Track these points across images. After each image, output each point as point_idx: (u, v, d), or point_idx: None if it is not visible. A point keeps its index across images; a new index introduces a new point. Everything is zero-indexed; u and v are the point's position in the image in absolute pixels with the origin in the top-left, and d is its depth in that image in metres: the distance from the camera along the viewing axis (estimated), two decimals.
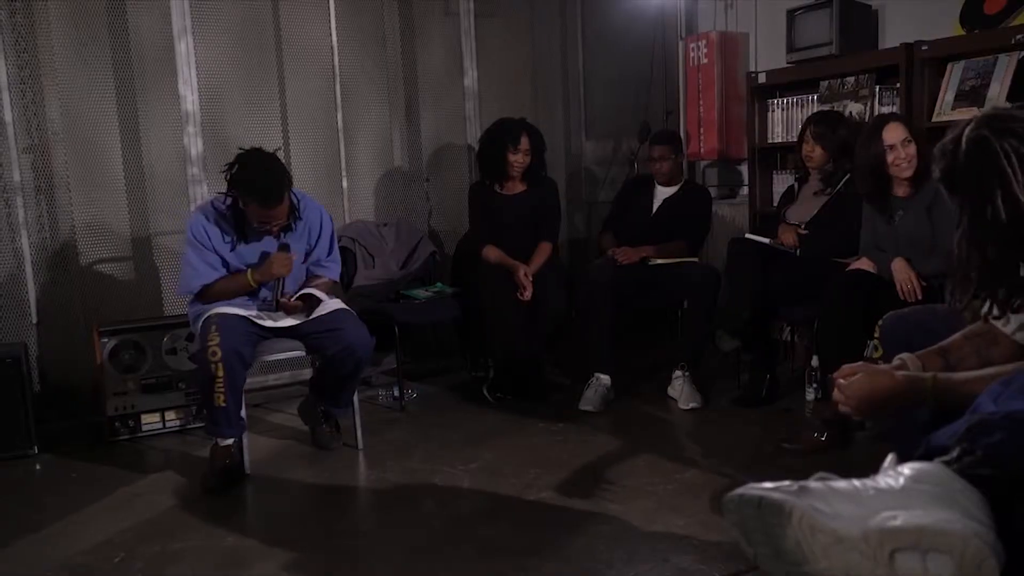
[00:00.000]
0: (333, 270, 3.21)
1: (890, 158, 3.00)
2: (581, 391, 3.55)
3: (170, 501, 2.75)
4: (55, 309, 3.62)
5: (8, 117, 3.45)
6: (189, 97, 3.72)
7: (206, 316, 2.88)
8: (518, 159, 3.80)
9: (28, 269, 3.53)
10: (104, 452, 3.27)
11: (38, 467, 3.17)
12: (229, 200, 2.96)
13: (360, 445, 3.16)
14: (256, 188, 2.86)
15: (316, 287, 3.10)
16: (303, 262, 3.15)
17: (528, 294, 3.61)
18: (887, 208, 3.11)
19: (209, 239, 2.98)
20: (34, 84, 3.54)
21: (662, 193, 3.95)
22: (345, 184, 4.14)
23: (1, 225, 3.52)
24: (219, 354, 2.75)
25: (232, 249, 3.01)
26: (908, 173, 3.03)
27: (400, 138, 4.41)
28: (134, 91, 3.74)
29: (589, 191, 4.96)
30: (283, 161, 3.00)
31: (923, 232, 3.00)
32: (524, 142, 3.79)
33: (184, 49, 3.69)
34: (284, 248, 3.01)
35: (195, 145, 3.75)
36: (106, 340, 3.37)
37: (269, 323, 2.99)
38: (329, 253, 3.21)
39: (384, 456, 3.07)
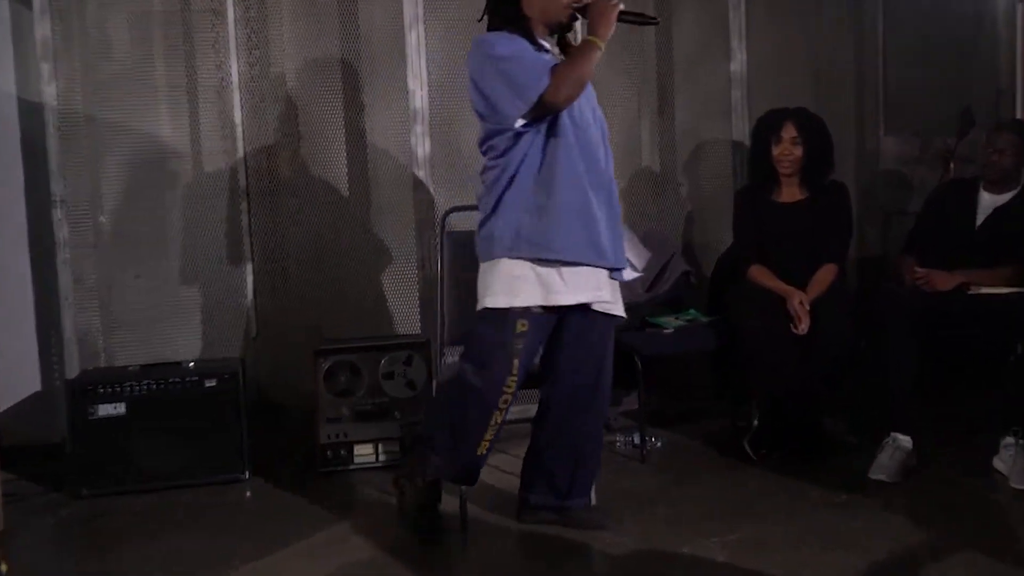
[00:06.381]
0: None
1: None
2: (873, 454, 3.25)
3: (380, 547, 2.76)
4: (274, 322, 3.85)
5: (237, 119, 3.76)
6: (418, 93, 3.79)
7: (514, 308, 2.58)
8: (783, 151, 3.60)
9: (248, 278, 3.79)
10: (314, 483, 3.36)
11: (248, 495, 3.31)
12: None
13: (592, 499, 3.00)
14: None
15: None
16: None
17: (804, 327, 3.38)
18: None
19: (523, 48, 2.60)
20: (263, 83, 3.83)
21: (990, 202, 3.56)
22: None
23: (222, 228, 3.80)
24: (513, 388, 2.54)
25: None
26: None
27: (650, 134, 4.29)
28: (360, 88, 3.90)
29: (888, 199, 4.58)
30: None
31: None
32: (789, 129, 3.59)
33: (415, 39, 3.78)
34: None
35: (422, 145, 3.82)
36: (321, 360, 3.44)
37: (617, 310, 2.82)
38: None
39: (620, 514, 2.93)
